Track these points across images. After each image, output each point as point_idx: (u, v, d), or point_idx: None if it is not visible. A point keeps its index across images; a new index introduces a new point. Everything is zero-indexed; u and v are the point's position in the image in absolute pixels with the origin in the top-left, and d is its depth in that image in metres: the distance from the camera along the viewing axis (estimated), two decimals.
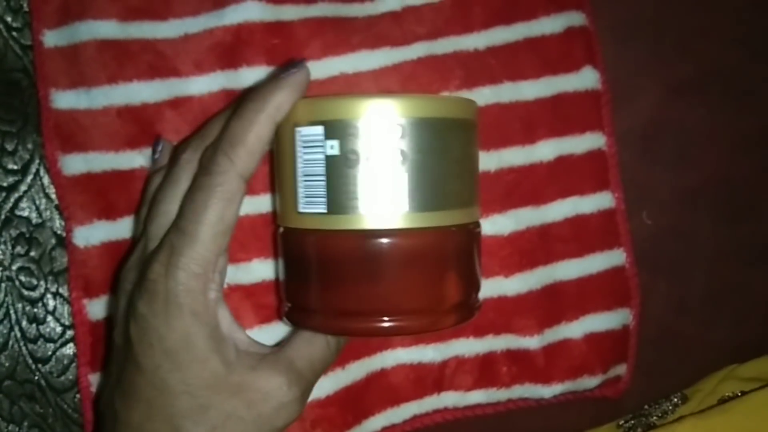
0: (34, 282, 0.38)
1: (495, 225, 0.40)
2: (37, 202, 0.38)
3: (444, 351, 0.40)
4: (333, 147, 0.30)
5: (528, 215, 0.41)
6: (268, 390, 0.31)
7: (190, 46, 0.38)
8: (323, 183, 0.30)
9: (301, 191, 0.31)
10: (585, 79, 0.41)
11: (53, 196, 0.38)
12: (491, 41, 0.40)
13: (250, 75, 0.38)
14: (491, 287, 0.40)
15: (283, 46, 0.38)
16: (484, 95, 0.40)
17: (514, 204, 0.40)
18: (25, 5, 0.38)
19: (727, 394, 0.40)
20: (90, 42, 0.37)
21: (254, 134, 0.30)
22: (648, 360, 0.43)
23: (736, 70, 0.44)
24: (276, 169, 0.33)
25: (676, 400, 0.41)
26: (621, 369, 0.42)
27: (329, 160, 0.30)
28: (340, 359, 0.38)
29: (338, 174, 0.30)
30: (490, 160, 0.40)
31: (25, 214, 0.38)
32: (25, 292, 0.38)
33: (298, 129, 0.31)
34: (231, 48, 0.38)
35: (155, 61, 0.37)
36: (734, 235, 0.44)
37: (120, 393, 0.31)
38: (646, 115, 0.43)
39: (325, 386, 0.38)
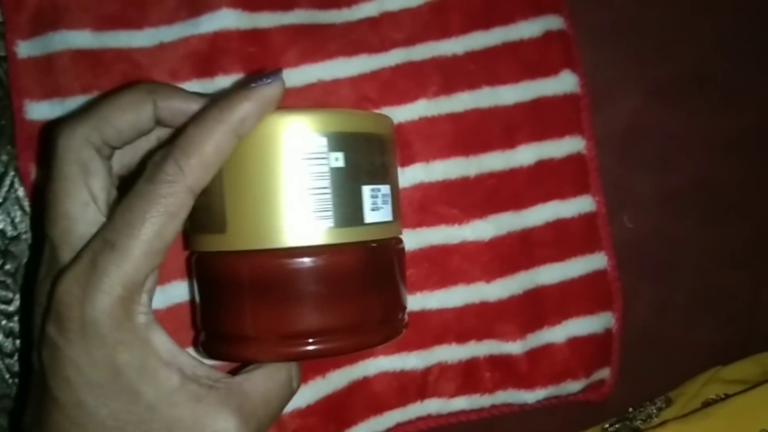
0: (10, 295, 0.37)
1: (476, 230, 0.40)
2: (12, 215, 0.38)
3: (427, 358, 0.40)
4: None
5: (509, 220, 0.40)
6: (215, 430, 0.27)
7: (165, 55, 0.37)
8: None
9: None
10: (564, 83, 0.41)
11: (28, 209, 0.37)
12: (469, 46, 0.40)
13: (226, 83, 0.37)
14: (473, 293, 0.40)
15: (259, 54, 0.38)
16: (463, 100, 0.40)
17: (494, 209, 0.40)
18: None
19: (710, 397, 0.40)
20: (64, 52, 0.36)
21: (212, 146, 0.27)
22: (631, 363, 0.42)
23: (716, 73, 0.44)
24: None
25: (660, 403, 0.41)
26: (604, 373, 0.42)
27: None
28: (320, 368, 0.38)
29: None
30: (470, 166, 0.40)
31: (0, 226, 0.37)
32: (1, 306, 0.37)
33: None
34: (207, 56, 0.37)
35: (130, 70, 0.37)
36: (716, 237, 0.44)
37: (39, 427, 0.28)
38: (626, 119, 0.43)
39: (306, 395, 0.38)
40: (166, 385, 0.27)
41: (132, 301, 0.26)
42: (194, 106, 0.30)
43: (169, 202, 0.26)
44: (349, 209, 0.29)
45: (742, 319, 0.45)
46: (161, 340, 0.27)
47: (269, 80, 0.28)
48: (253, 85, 0.28)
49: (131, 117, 0.29)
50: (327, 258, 0.29)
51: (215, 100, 0.28)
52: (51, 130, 0.29)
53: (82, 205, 0.28)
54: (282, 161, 0.29)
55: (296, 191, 0.29)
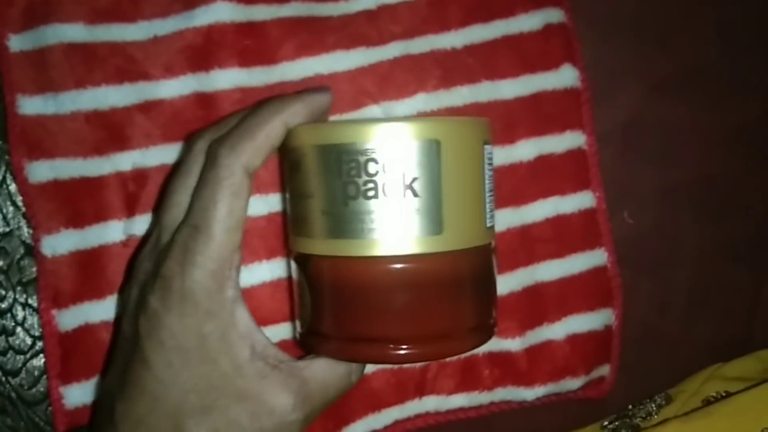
0: (3, 292, 0.37)
1: None
2: (5, 210, 0.37)
3: None
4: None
5: (508, 216, 0.40)
6: (273, 405, 0.30)
7: (159, 49, 0.37)
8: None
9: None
10: (564, 77, 0.41)
11: (21, 204, 0.37)
12: (469, 39, 0.40)
13: (222, 77, 0.37)
14: None
15: (255, 47, 0.37)
16: (462, 95, 0.39)
17: (494, 205, 0.40)
18: None
19: (711, 394, 0.39)
20: (57, 46, 0.36)
21: (264, 131, 0.30)
22: (631, 360, 0.42)
23: (717, 67, 0.44)
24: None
25: (660, 400, 0.41)
26: (604, 370, 0.42)
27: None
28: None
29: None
30: None
31: None
32: None
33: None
34: (202, 50, 0.37)
35: (124, 64, 0.36)
36: (717, 232, 0.44)
37: (122, 384, 0.31)
38: (627, 113, 0.43)
39: None
40: (238, 358, 0.30)
41: (222, 276, 0.30)
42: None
43: (231, 182, 0.30)
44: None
45: (743, 315, 0.44)
46: (242, 315, 0.31)
47: (319, 90, 0.33)
48: (305, 91, 0.32)
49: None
50: (420, 264, 0.30)
51: (269, 99, 0.32)
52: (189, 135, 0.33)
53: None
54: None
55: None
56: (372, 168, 0.29)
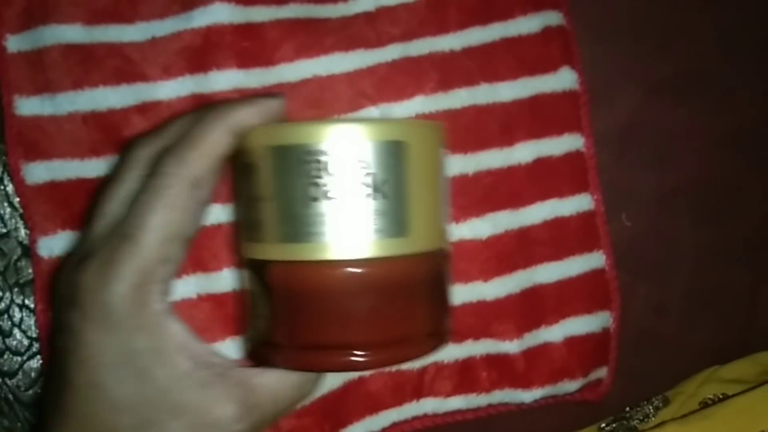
0: (0, 294, 0.37)
1: (473, 229, 0.40)
2: (2, 212, 0.37)
3: None
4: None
5: (506, 218, 0.40)
6: (216, 416, 0.28)
7: (157, 50, 0.37)
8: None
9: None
10: (563, 79, 0.41)
11: (18, 205, 0.37)
12: (467, 42, 0.40)
13: (220, 78, 0.37)
14: (470, 292, 0.40)
15: (253, 49, 0.37)
16: (461, 97, 0.39)
17: (492, 207, 0.40)
18: None
19: (708, 396, 0.40)
20: (55, 46, 0.36)
21: (210, 141, 0.29)
22: (629, 363, 0.42)
23: (715, 69, 0.44)
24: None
25: (657, 402, 0.41)
26: (602, 372, 0.42)
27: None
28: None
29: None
30: (467, 164, 0.39)
31: None
32: None
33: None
34: (200, 51, 0.37)
35: (122, 65, 0.36)
36: (715, 235, 0.44)
37: (53, 409, 0.29)
38: (625, 116, 0.43)
39: None
40: (177, 370, 0.28)
41: (147, 289, 0.28)
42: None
43: (172, 192, 0.28)
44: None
45: (741, 317, 0.44)
46: (176, 328, 0.29)
47: (271, 96, 0.31)
48: (255, 96, 0.31)
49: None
50: (375, 268, 0.29)
51: (215, 105, 0.30)
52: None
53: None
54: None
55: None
56: (331, 169, 0.28)
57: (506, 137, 0.40)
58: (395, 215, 0.29)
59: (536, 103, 0.40)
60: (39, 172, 0.36)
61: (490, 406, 0.41)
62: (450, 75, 0.39)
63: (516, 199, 0.40)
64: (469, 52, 0.40)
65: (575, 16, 0.41)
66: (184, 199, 0.28)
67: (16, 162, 0.36)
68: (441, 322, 0.32)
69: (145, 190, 0.28)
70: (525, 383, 0.41)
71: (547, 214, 0.40)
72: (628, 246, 0.42)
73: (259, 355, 0.31)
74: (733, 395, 0.37)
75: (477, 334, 0.40)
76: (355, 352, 0.29)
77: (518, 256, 0.40)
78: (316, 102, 0.38)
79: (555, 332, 0.41)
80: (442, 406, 0.40)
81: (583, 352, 0.41)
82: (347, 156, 0.28)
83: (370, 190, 0.28)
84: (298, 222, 0.28)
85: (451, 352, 0.40)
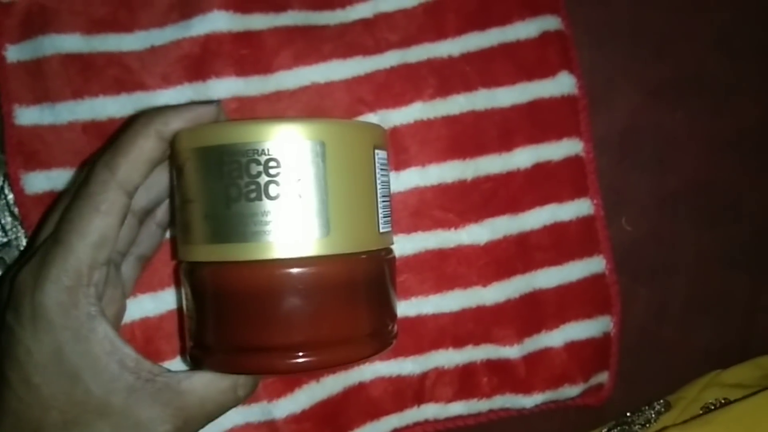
0: None
1: (471, 235, 0.40)
2: (3, 221, 0.37)
3: (423, 363, 0.40)
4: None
5: (505, 224, 0.40)
6: (141, 419, 0.29)
7: (156, 59, 0.37)
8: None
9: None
10: (561, 84, 0.41)
11: (18, 215, 0.37)
12: (465, 47, 0.40)
13: (219, 86, 0.37)
14: (469, 297, 0.40)
15: (252, 57, 0.37)
16: (459, 103, 0.39)
17: (490, 213, 0.40)
18: None
19: (710, 401, 0.39)
20: (54, 56, 0.36)
21: (137, 146, 0.29)
22: (630, 367, 0.42)
23: (714, 73, 0.44)
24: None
25: (658, 407, 0.41)
26: (602, 377, 0.42)
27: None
28: (314, 373, 0.38)
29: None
30: (466, 169, 0.39)
31: None
32: None
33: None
34: (199, 60, 0.37)
35: (121, 74, 0.37)
36: (715, 239, 0.44)
37: None
38: (624, 120, 0.43)
39: (301, 400, 0.38)
40: (104, 373, 0.29)
41: (78, 292, 0.28)
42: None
43: (101, 199, 0.29)
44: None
45: (741, 322, 0.44)
46: (105, 332, 0.29)
47: (204, 103, 0.31)
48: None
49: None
50: (315, 268, 0.29)
51: (145, 111, 0.31)
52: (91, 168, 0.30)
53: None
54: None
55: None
56: (253, 169, 0.28)
57: (505, 142, 0.40)
58: (317, 215, 0.28)
59: (535, 108, 0.40)
60: (38, 181, 0.36)
61: (491, 411, 0.41)
62: (448, 81, 0.39)
63: (515, 205, 0.40)
64: (467, 57, 0.40)
65: (573, 21, 0.41)
66: (113, 204, 0.29)
67: (15, 172, 0.36)
68: (382, 324, 0.31)
69: (78, 197, 0.29)
70: (526, 388, 0.40)
71: (547, 219, 0.40)
72: (628, 250, 0.42)
73: (192, 357, 0.31)
74: (735, 400, 0.37)
75: (477, 340, 0.40)
76: (292, 353, 0.28)
77: (517, 262, 0.40)
78: (314, 109, 0.38)
79: (555, 337, 0.41)
80: (443, 411, 0.40)
81: (583, 357, 0.41)
82: (266, 156, 0.28)
83: (290, 191, 0.28)
84: (224, 222, 0.28)
85: (451, 358, 0.40)
